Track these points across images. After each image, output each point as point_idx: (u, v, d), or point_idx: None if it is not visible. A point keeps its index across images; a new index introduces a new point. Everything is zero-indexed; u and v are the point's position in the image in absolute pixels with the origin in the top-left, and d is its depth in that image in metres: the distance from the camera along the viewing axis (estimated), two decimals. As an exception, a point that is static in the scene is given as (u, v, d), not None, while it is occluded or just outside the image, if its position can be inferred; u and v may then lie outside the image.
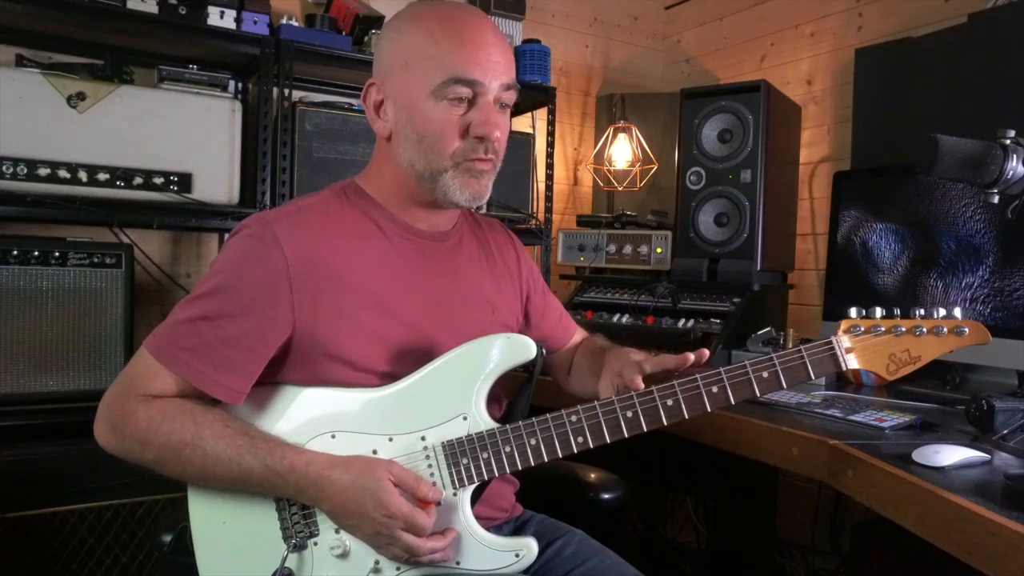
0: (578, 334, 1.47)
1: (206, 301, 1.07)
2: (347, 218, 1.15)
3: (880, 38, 2.40)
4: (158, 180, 2.09)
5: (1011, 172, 1.21)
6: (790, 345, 1.91)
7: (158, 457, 1.03)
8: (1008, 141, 1.22)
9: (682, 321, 2.13)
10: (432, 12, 1.12)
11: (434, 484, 1.05)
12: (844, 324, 1.09)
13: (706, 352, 1.11)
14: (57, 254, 1.89)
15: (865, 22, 2.53)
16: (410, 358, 1.11)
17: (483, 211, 2.42)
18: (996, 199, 1.25)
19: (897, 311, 1.09)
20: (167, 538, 1.18)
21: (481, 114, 1.09)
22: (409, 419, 1.07)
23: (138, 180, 2.06)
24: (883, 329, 1.08)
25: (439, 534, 1.04)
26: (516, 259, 1.36)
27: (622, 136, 2.93)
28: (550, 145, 2.78)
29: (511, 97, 1.13)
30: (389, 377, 1.10)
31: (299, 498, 1.04)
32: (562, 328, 1.43)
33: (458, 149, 1.10)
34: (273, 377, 1.10)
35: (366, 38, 2.44)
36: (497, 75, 1.09)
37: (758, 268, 2.22)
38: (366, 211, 1.17)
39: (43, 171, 1.95)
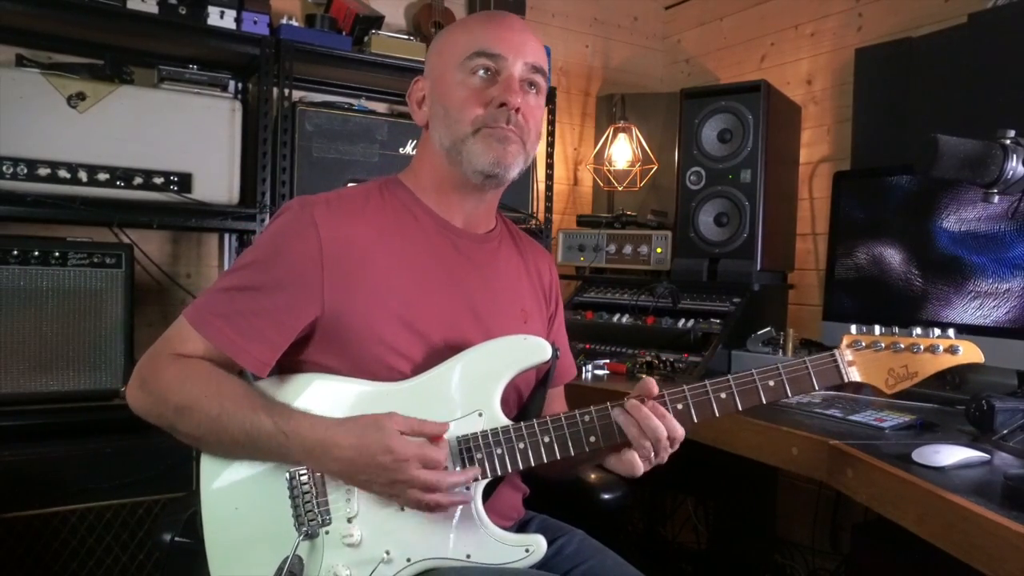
0: (559, 403, 1.38)
1: (242, 272, 1.11)
2: (386, 209, 1.18)
3: (880, 38, 2.40)
4: (158, 180, 2.09)
5: (1011, 172, 1.21)
6: (790, 345, 1.91)
7: (177, 408, 1.06)
8: (1008, 141, 1.22)
9: (682, 321, 2.13)
10: (474, 15, 1.25)
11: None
12: (846, 339, 1.14)
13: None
14: (57, 254, 1.89)
15: (865, 22, 2.53)
16: (436, 350, 1.13)
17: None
18: (996, 199, 1.25)
19: (896, 329, 1.13)
20: (169, 536, 1.18)
21: (503, 84, 1.13)
22: (425, 413, 1.08)
23: (138, 180, 2.06)
24: (883, 345, 1.13)
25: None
26: (550, 282, 1.37)
27: (622, 136, 2.93)
28: (550, 145, 2.79)
29: (540, 81, 1.18)
30: (411, 369, 1.12)
31: (306, 461, 1.05)
32: (564, 367, 1.39)
33: (479, 116, 1.13)
34: (300, 356, 1.12)
35: (366, 38, 2.45)
36: (522, 53, 1.14)
37: (758, 268, 2.22)
38: (405, 203, 1.20)
39: (43, 171, 1.95)
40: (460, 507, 1.07)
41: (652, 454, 1.07)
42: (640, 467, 1.09)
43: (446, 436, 1.07)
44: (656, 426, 1.05)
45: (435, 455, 1.02)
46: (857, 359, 1.13)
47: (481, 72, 1.13)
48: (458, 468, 1.07)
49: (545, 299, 1.35)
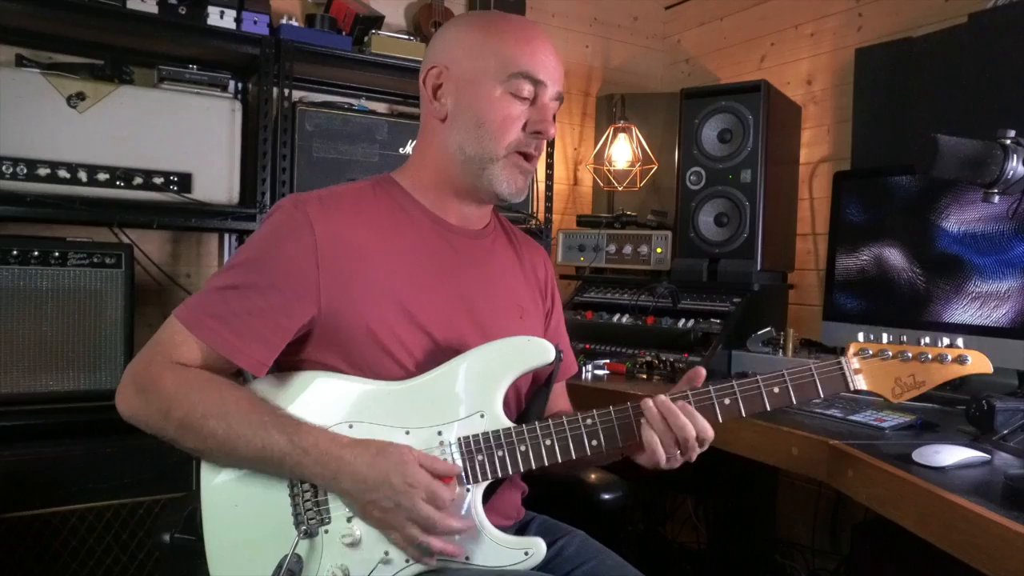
0: (563, 399, 1.39)
1: (236, 272, 1.10)
2: (379, 205, 1.18)
3: (880, 38, 2.40)
4: (158, 180, 2.09)
5: (1011, 172, 1.21)
6: (790, 345, 1.91)
7: (180, 425, 1.04)
8: (1008, 141, 1.22)
9: (682, 321, 2.13)
10: (505, 19, 1.20)
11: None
12: (853, 347, 1.13)
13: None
14: (57, 254, 1.89)
15: (865, 22, 2.53)
16: (433, 346, 1.13)
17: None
18: (996, 199, 1.25)
19: (904, 337, 1.12)
20: (169, 536, 1.18)
21: (541, 113, 1.15)
22: (426, 414, 1.09)
23: (138, 180, 2.06)
24: (890, 354, 1.12)
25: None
26: (545, 276, 1.37)
27: (622, 136, 2.93)
28: (550, 145, 2.78)
29: (556, 108, 1.20)
30: (411, 365, 1.11)
31: (317, 473, 1.03)
32: (564, 364, 1.37)
33: (514, 141, 1.14)
34: (299, 355, 1.12)
35: (366, 38, 2.45)
36: (556, 81, 1.17)
37: (758, 268, 2.22)
38: (398, 201, 1.19)
39: (43, 171, 1.95)
40: (461, 508, 1.07)
41: (678, 452, 1.07)
42: (664, 459, 1.07)
43: (448, 440, 1.07)
44: (684, 424, 1.05)
45: (443, 493, 1.01)
46: (864, 367, 1.12)
47: (522, 94, 1.14)
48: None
49: (541, 295, 1.35)
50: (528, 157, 1.17)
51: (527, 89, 1.14)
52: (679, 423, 1.05)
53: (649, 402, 1.07)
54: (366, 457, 1.01)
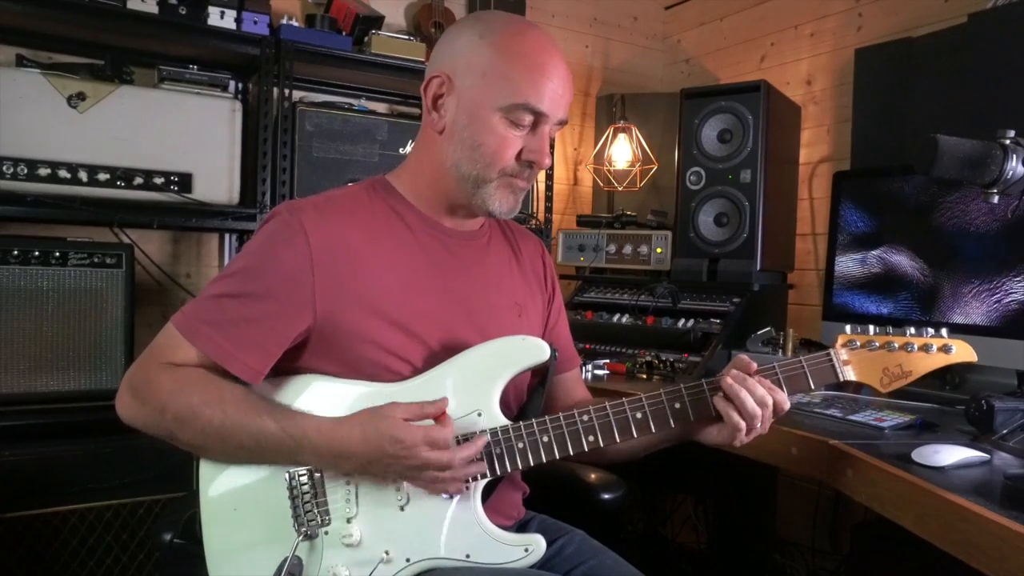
0: (580, 387, 1.39)
1: (232, 280, 1.10)
2: (375, 210, 1.17)
3: (880, 38, 2.40)
4: (158, 180, 2.09)
5: (1011, 172, 1.21)
6: (790, 345, 1.91)
7: (176, 419, 1.04)
8: (1008, 141, 1.22)
9: (682, 321, 2.13)
10: (520, 34, 1.13)
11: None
12: (841, 338, 1.15)
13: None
14: (57, 254, 1.89)
15: (865, 22, 2.53)
16: (431, 350, 1.13)
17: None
18: (996, 199, 1.25)
19: (890, 328, 1.15)
20: (169, 536, 1.18)
21: (537, 143, 1.14)
22: None
23: (138, 180, 2.07)
24: (877, 344, 1.14)
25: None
26: (544, 269, 1.37)
27: (622, 136, 2.93)
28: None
29: (559, 130, 1.19)
30: (407, 370, 1.12)
31: (318, 463, 1.06)
32: (565, 358, 1.37)
33: (508, 167, 1.14)
34: (296, 363, 1.12)
35: (366, 38, 2.45)
36: (559, 111, 1.15)
37: (758, 268, 2.22)
38: (393, 205, 1.19)
39: (43, 171, 1.95)
40: (460, 507, 1.07)
41: (757, 423, 1.08)
42: (743, 433, 1.09)
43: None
44: (764, 394, 1.07)
45: (441, 435, 1.02)
46: (852, 358, 1.14)
47: (522, 123, 1.12)
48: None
49: (541, 286, 1.35)
50: (523, 181, 1.16)
51: (527, 119, 1.12)
52: (759, 394, 1.07)
53: (722, 380, 1.09)
54: (356, 435, 1.02)
